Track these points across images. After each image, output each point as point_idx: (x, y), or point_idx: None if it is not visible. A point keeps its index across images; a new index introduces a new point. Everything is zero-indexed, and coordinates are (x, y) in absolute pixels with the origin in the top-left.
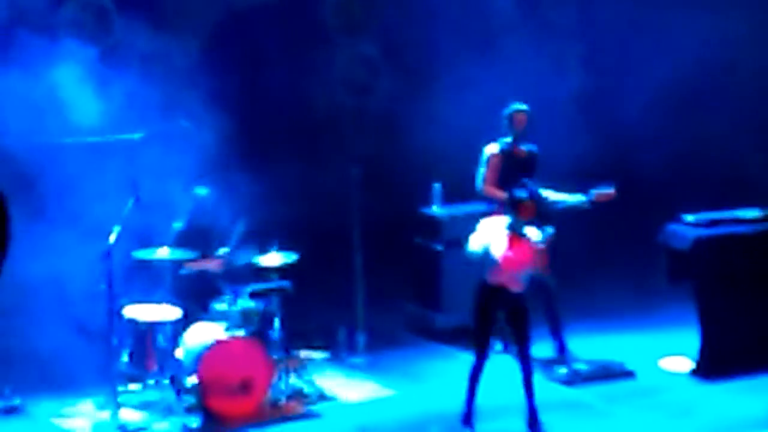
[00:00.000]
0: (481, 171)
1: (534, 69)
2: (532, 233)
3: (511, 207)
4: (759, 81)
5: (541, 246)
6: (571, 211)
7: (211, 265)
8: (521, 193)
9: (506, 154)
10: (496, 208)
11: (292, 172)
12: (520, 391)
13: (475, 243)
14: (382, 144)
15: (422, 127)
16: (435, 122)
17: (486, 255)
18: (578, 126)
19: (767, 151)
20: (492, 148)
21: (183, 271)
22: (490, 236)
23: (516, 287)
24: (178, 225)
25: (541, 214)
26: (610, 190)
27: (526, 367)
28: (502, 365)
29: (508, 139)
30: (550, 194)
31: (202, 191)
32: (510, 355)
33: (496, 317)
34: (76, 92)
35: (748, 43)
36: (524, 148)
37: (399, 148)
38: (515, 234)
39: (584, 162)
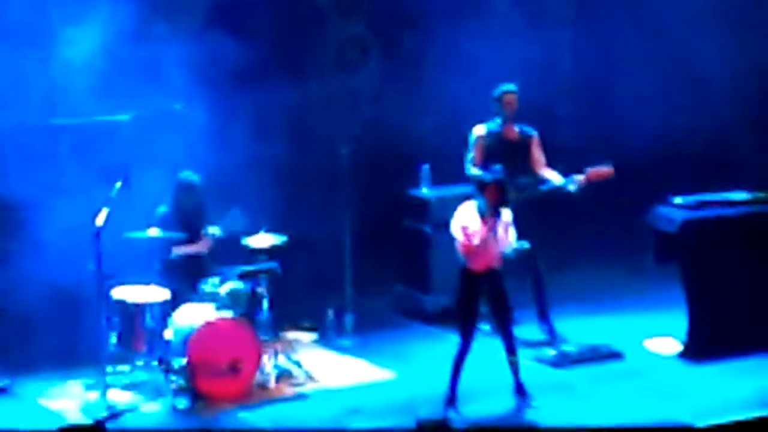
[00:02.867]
0: (469, 153)
1: (525, 51)
2: (505, 215)
3: (479, 189)
4: (748, 63)
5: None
6: (561, 193)
7: (198, 248)
8: (487, 176)
9: (495, 136)
10: None
11: (281, 152)
12: (505, 372)
13: (456, 229)
14: (372, 125)
15: (412, 108)
16: (425, 103)
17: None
18: (568, 109)
19: (757, 133)
20: (479, 130)
21: (172, 256)
22: (466, 221)
23: (495, 265)
24: (164, 208)
25: (508, 198)
26: (606, 168)
27: (509, 343)
28: (488, 346)
29: (498, 121)
30: (548, 174)
31: (188, 173)
32: (496, 335)
33: (479, 301)
34: (64, 72)
35: (739, 26)
36: (516, 129)
37: (388, 129)
38: (484, 216)
39: (573, 145)
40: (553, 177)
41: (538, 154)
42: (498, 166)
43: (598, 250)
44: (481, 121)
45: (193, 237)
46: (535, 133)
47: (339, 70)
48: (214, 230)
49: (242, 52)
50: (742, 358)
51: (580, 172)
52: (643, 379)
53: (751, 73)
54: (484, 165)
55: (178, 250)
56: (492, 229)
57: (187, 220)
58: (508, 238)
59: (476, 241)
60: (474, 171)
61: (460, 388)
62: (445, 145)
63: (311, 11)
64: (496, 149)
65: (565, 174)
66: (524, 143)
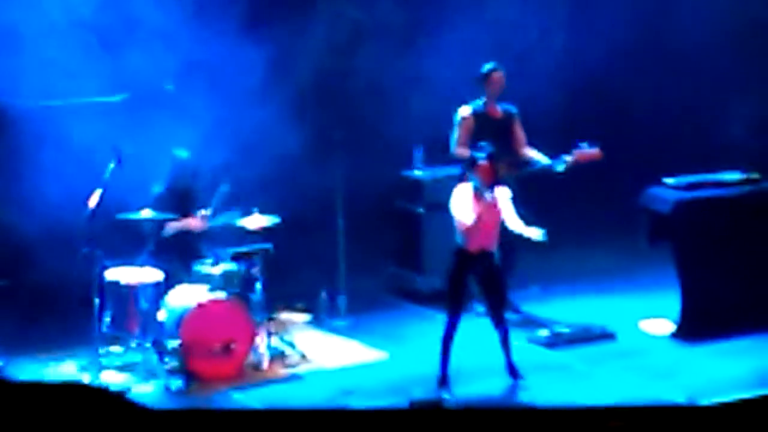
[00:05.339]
0: (454, 134)
1: (519, 30)
2: (501, 193)
3: (472, 169)
4: (741, 43)
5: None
6: (549, 173)
7: (193, 225)
8: (479, 155)
9: (480, 116)
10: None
11: (274, 134)
12: (498, 353)
13: (457, 211)
14: (365, 107)
15: (405, 89)
16: (418, 85)
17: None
18: (562, 88)
19: (750, 113)
20: (464, 110)
21: (165, 233)
22: (462, 200)
23: (491, 247)
24: (157, 188)
25: (500, 175)
26: (593, 150)
27: (502, 326)
28: (480, 327)
29: (482, 100)
30: (532, 154)
31: (181, 153)
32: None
33: (468, 280)
34: (60, 54)
35: (736, 3)
36: (500, 108)
37: (382, 110)
38: (480, 196)
39: (567, 124)
40: (538, 156)
41: (520, 134)
42: (484, 143)
43: (591, 231)
44: (466, 102)
45: (188, 216)
46: (517, 112)
47: (332, 51)
48: (206, 212)
49: (234, 35)
50: (735, 338)
51: (568, 152)
52: (636, 359)
53: (746, 53)
54: (472, 144)
55: (171, 227)
56: (486, 207)
57: (181, 199)
58: (507, 215)
59: (470, 219)
60: (460, 151)
61: (454, 369)
62: (439, 127)
63: None
64: (482, 129)
65: (553, 155)
66: (508, 122)
